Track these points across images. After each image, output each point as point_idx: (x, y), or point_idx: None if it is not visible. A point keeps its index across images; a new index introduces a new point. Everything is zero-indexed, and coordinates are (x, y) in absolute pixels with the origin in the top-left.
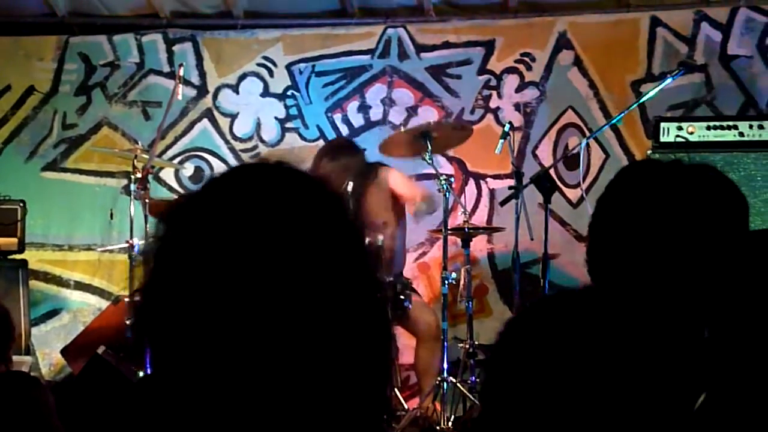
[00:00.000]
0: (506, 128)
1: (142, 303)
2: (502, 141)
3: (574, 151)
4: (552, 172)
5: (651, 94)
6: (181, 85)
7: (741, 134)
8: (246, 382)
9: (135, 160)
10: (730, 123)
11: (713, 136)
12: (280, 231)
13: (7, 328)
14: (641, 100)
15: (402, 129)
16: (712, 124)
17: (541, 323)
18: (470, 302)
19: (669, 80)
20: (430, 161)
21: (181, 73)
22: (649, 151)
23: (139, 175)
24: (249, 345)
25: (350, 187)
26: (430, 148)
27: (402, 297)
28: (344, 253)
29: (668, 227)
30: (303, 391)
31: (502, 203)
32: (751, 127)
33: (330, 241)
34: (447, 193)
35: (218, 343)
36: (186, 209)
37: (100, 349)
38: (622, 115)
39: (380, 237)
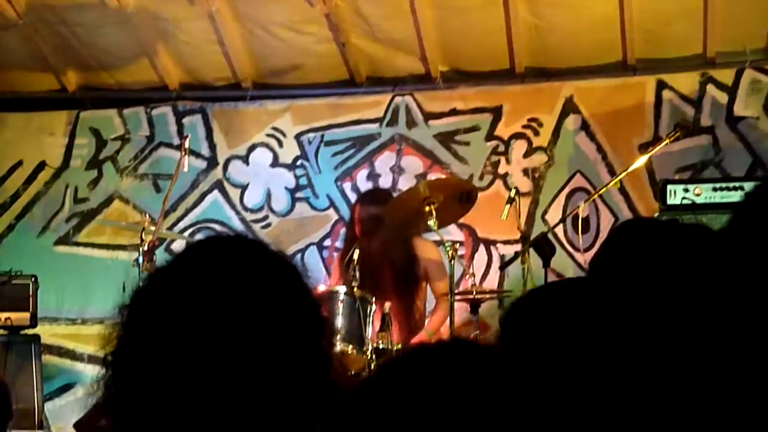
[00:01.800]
0: (512, 194)
1: (111, 366)
2: (507, 206)
3: (577, 213)
4: (562, 236)
5: (643, 159)
6: (186, 157)
7: None
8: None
9: (143, 233)
10: (737, 184)
11: (719, 197)
12: (233, 298)
13: (5, 404)
14: (635, 165)
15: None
16: (718, 185)
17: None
18: None
19: (665, 142)
20: (435, 228)
21: (187, 144)
22: (656, 214)
23: (145, 248)
24: (206, 394)
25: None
26: (434, 216)
27: None
28: (290, 318)
29: (662, 286)
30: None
31: (502, 267)
32: None
33: (277, 308)
34: (453, 260)
35: (180, 394)
36: (152, 281)
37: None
38: (620, 177)
39: (387, 304)
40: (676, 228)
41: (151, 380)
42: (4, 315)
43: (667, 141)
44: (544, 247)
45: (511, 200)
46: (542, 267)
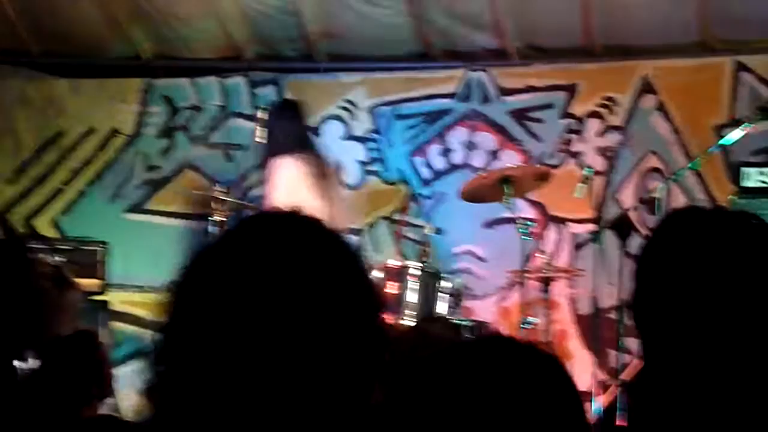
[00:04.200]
0: (587, 172)
1: (162, 339)
2: (582, 185)
3: (653, 195)
4: (633, 215)
5: (729, 139)
6: (261, 128)
7: None
8: (256, 410)
9: (215, 202)
10: None
11: None
12: (288, 278)
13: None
14: (718, 144)
15: (482, 173)
16: None
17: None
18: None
19: (746, 125)
20: (509, 205)
21: (263, 116)
22: (731, 197)
23: (218, 218)
24: (260, 375)
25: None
26: (510, 192)
27: None
28: (347, 301)
29: (711, 276)
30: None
31: (578, 247)
32: None
33: (334, 289)
34: (527, 237)
35: (231, 377)
36: (206, 255)
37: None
38: (698, 159)
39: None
40: (723, 217)
41: (201, 361)
42: None
43: (750, 124)
44: (623, 227)
45: (586, 179)
46: (619, 248)
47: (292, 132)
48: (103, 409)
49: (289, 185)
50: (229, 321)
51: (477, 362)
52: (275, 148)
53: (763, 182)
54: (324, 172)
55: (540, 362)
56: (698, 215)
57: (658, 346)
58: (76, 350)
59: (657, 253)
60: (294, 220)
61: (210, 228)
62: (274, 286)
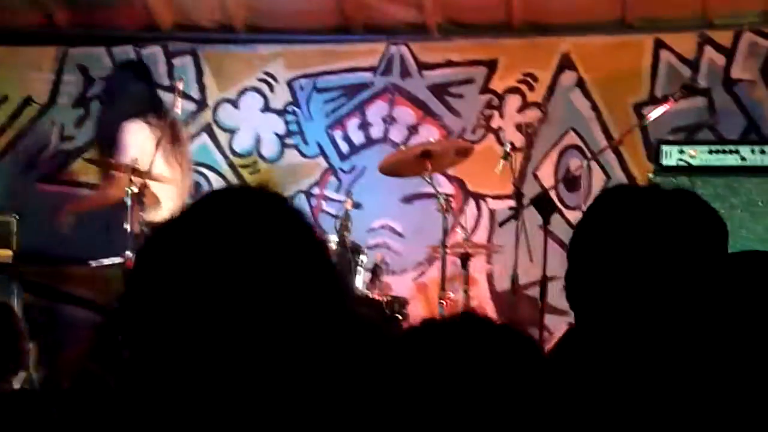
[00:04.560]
0: (507, 148)
1: (120, 310)
2: (502, 161)
3: (576, 173)
4: (552, 193)
5: (653, 116)
6: (180, 99)
7: (743, 159)
8: (220, 381)
9: (132, 174)
10: (732, 147)
11: (715, 160)
12: (249, 250)
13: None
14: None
15: (402, 147)
16: (714, 148)
17: None
18: None
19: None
20: (430, 181)
21: (181, 87)
22: (650, 175)
23: (135, 189)
24: (221, 346)
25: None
26: (430, 167)
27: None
28: (305, 275)
29: (645, 253)
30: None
31: (501, 224)
32: (753, 151)
33: (294, 261)
34: (446, 213)
35: (192, 348)
36: (168, 229)
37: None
38: (622, 137)
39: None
40: (657, 194)
41: (158, 334)
42: None
43: (673, 102)
44: (545, 204)
45: (506, 155)
46: (541, 224)
47: (139, 94)
48: (16, 383)
49: (139, 151)
50: (187, 292)
51: (454, 344)
52: (122, 112)
53: (682, 161)
54: (177, 137)
55: (516, 343)
56: (632, 192)
57: (588, 320)
58: None
59: (591, 229)
60: (253, 194)
61: (126, 200)
62: (232, 258)
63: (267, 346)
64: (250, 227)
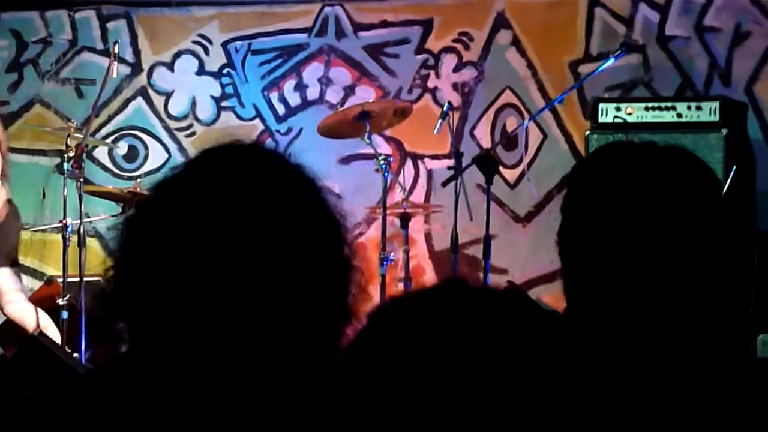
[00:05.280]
0: (445, 108)
1: (114, 278)
2: (440, 121)
3: (515, 132)
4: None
5: (594, 73)
6: (115, 63)
7: (679, 115)
8: (220, 354)
9: (68, 139)
10: (668, 104)
11: (651, 117)
12: (251, 210)
13: None
14: (584, 80)
15: (340, 108)
16: (650, 105)
17: None
18: (408, 283)
19: (611, 60)
20: (368, 141)
21: (116, 50)
22: (587, 132)
23: (72, 154)
24: (221, 318)
25: None
26: (368, 128)
27: None
28: (312, 234)
29: (641, 211)
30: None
31: (444, 183)
32: (689, 108)
33: (298, 223)
34: (385, 173)
35: (191, 317)
36: (162, 190)
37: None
38: (565, 95)
39: None
40: (655, 151)
41: (155, 300)
42: None
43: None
44: (488, 163)
45: (444, 115)
46: (479, 183)
47: None
48: None
49: None
50: (187, 253)
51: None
52: None
53: (619, 118)
54: None
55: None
56: (629, 149)
57: (580, 279)
58: None
59: (584, 186)
60: (256, 151)
61: (64, 165)
62: (235, 216)
63: (272, 313)
64: (255, 186)
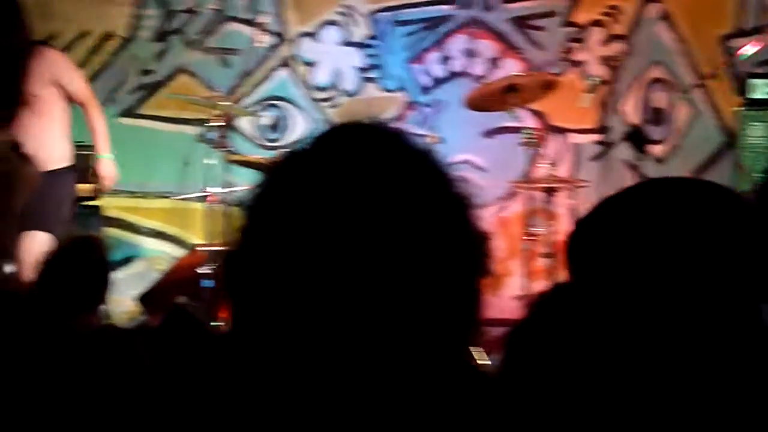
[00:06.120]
0: (596, 81)
1: (231, 254)
2: (588, 95)
3: (660, 107)
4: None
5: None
6: (263, 33)
7: None
8: (333, 341)
9: (213, 108)
10: None
11: None
12: (379, 195)
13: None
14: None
15: (485, 81)
16: None
17: None
18: (551, 258)
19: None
20: (515, 115)
21: (263, 20)
22: (737, 108)
23: (217, 123)
24: (338, 305)
25: None
26: (516, 101)
27: None
28: (439, 221)
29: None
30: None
31: (595, 158)
32: None
33: (427, 209)
34: (531, 148)
35: (307, 301)
36: (288, 166)
37: (181, 299)
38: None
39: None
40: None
41: (274, 282)
42: None
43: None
44: (639, 138)
45: (592, 88)
46: (625, 160)
47: None
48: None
49: None
50: (310, 245)
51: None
52: None
53: None
54: None
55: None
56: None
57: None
58: (79, 257)
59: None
60: (380, 132)
61: (207, 134)
62: (359, 195)
63: (398, 292)
64: (380, 165)
